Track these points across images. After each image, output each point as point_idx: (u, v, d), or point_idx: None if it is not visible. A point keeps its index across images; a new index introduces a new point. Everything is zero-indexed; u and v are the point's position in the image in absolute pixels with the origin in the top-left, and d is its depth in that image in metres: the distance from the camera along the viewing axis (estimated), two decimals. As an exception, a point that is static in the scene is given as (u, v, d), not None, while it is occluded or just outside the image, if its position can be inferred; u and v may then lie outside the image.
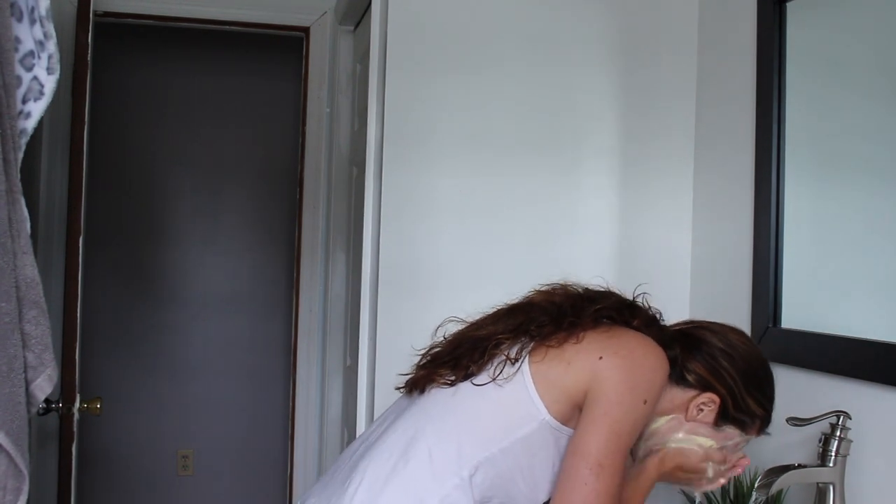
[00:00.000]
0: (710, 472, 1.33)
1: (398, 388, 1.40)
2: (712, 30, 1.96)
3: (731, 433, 1.33)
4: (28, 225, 1.58)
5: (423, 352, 1.38)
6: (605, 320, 1.30)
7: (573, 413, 1.24)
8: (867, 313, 1.49)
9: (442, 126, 1.91)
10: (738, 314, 1.75)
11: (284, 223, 4.10)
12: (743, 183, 1.80)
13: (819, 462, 1.37)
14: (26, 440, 1.50)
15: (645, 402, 1.22)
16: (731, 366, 1.32)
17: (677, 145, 2.01)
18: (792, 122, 1.67)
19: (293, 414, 3.16)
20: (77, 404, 2.13)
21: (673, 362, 1.32)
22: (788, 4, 1.68)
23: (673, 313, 1.45)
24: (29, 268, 1.54)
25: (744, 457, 1.36)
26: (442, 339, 1.37)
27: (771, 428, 1.39)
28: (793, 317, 1.65)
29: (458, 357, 1.30)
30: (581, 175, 1.98)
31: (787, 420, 1.41)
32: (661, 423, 1.33)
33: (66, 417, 2.14)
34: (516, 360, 1.25)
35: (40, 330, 1.56)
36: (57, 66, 1.65)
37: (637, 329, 1.31)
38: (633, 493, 1.30)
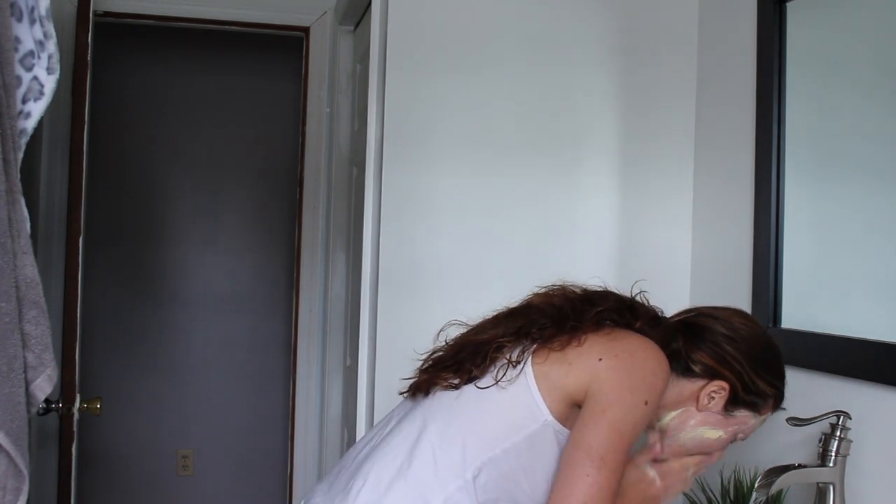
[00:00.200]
0: (690, 472, 1.34)
1: (401, 393, 1.40)
2: (712, 30, 1.96)
3: (744, 416, 1.33)
4: (28, 225, 1.58)
5: (425, 356, 1.38)
6: (607, 323, 1.30)
7: (572, 413, 1.24)
8: (867, 313, 1.49)
9: (442, 126, 1.91)
10: (738, 314, 1.75)
11: (284, 223, 4.10)
12: (743, 183, 1.80)
13: (819, 462, 1.36)
14: (26, 440, 1.51)
15: (646, 403, 1.22)
16: (736, 350, 1.31)
17: (677, 145, 2.01)
18: (792, 122, 1.67)
19: (293, 414, 3.16)
20: (77, 404, 2.13)
21: (677, 354, 1.32)
22: (788, 4, 1.68)
23: (673, 313, 1.45)
24: (29, 268, 1.54)
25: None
26: (444, 343, 1.37)
27: (771, 428, 1.39)
28: (793, 317, 1.65)
29: (461, 361, 1.30)
30: (581, 175, 1.97)
31: (787, 420, 1.41)
32: (670, 417, 1.33)
33: (66, 417, 2.14)
34: (518, 362, 1.25)
35: (40, 330, 1.56)
36: (57, 66, 1.65)
37: (639, 331, 1.30)
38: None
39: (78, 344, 2.19)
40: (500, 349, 1.28)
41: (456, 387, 1.28)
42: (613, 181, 1.99)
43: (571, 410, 1.24)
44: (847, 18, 1.59)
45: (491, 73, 1.93)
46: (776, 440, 1.57)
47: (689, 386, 1.32)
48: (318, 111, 3.08)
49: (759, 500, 1.41)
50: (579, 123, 1.97)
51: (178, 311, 4.12)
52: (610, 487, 1.17)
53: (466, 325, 1.38)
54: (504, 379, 1.24)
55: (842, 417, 1.36)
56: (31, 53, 1.62)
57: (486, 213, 1.93)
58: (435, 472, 1.21)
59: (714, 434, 1.33)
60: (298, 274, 3.13)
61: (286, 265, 4.04)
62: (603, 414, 1.20)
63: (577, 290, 1.36)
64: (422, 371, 1.36)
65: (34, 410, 1.60)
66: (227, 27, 3.03)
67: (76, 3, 2.29)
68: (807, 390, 1.53)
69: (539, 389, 1.23)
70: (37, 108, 1.64)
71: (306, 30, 3.07)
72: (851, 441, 1.36)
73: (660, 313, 1.38)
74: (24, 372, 1.53)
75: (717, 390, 1.31)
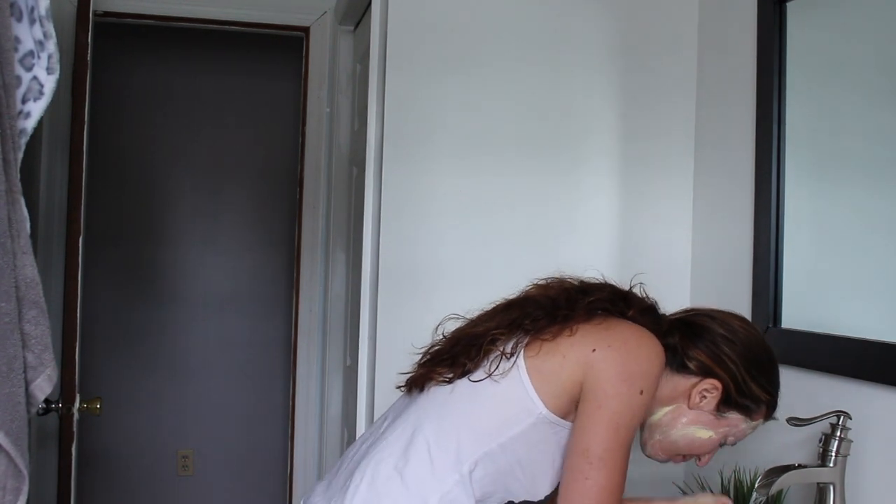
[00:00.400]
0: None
1: (399, 387, 1.40)
2: (712, 30, 1.96)
3: (735, 419, 1.33)
4: (28, 225, 1.58)
5: (423, 350, 1.38)
6: (599, 312, 1.30)
7: (570, 407, 1.24)
8: (867, 313, 1.49)
9: (442, 126, 1.91)
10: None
11: (284, 223, 4.10)
12: (743, 183, 1.80)
13: (819, 462, 1.36)
14: (26, 440, 1.50)
15: (641, 392, 1.22)
16: (733, 351, 1.31)
17: (677, 145, 2.01)
18: (792, 122, 1.67)
19: (293, 414, 3.16)
20: (77, 404, 2.13)
21: (673, 350, 1.32)
22: (788, 4, 1.68)
23: (671, 313, 1.45)
24: (29, 268, 1.54)
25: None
26: (441, 337, 1.37)
27: (771, 428, 1.39)
28: (793, 317, 1.65)
29: (456, 355, 1.30)
30: (581, 175, 1.97)
31: (788, 420, 1.41)
32: (662, 413, 1.33)
33: (65, 417, 2.14)
34: (511, 354, 1.25)
35: (40, 330, 1.56)
36: (57, 66, 1.65)
37: (632, 319, 1.30)
38: None
39: (78, 344, 2.19)
40: (493, 342, 1.28)
41: (450, 381, 1.28)
42: (613, 181, 1.99)
43: (570, 405, 1.24)
44: (847, 18, 1.59)
45: (491, 73, 1.93)
46: (776, 440, 1.57)
47: (682, 382, 1.32)
48: (318, 111, 3.08)
49: (759, 500, 1.41)
50: (579, 123, 1.97)
51: (178, 311, 4.12)
52: (612, 486, 1.17)
53: (464, 318, 1.38)
54: (497, 372, 1.24)
55: (842, 417, 1.36)
56: (30, 53, 1.62)
57: (486, 212, 1.93)
58: (431, 469, 1.21)
59: (705, 434, 1.33)
60: (298, 274, 3.13)
61: (286, 265, 4.04)
62: (599, 410, 1.20)
63: (574, 282, 1.36)
64: (419, 366, 1.37)
65: (34, 410, 1.60)
66: (227, 27, 3.03)
67: (76, 3, 2.29)
68: (807, 390, 1.53)
69: (532, 383, 1.23)
70: (37, 108, 1.64)
71: (306, 30, 3.07)
72: (851, 441, 1.36)
73: (655, 304, 1.38)
74: (24, 372, 1.53)
75: (710, 389, 1.31)
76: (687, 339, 1.33)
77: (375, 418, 1.87)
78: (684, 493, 1.59)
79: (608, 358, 1.22)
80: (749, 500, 1.49)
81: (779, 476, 1.32)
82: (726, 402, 1.32)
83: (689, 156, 2.01)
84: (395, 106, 1.90)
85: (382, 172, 1.90)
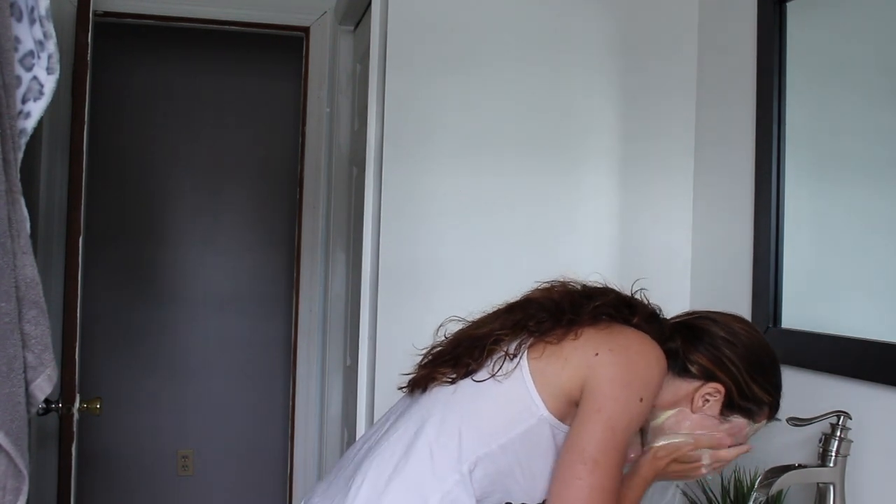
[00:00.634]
0: (707, 459, 1.33)
1: (400, 388, 1.40)
2: (712, 30, 1.96)
3: (740, 423, 1.33)
4: (28, 225, 1.58)
5: (424, 351, 1.38)
6: (604, 317, 1.30)
7: (570, 410, 1.24)
8: (867, 313, 1.49)
9: (442, 126, 1.91)
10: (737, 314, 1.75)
11: (284, 223, 4.10)
12: (743, 183, 1.80)
13: (819, 462, 1.36)
14: (26, 440, 1.50)
15: (641, 399, 1.22)
16: (734, 354, 1.31)
17: (677, 145, 2.01)
18: (792, 122, 1.67)
19: (293, 414, 3.16)
20: (77, 404, 2.13)
21: (675, 354, 1.32)
22: (788, 4, 1.68)
23: (673, 313, 1.45)
24: (29, 268, 1.54)
25: (742, 444, 1.35)
26: (443, 338, 1.37)
27: (771, 428, 1.39)
28: (793, 317, 1.65)
29: (459, 355, 1.30)
30: (581, 175, 1.97)
31: (788, 420, 1.41)
32: (665, 417, 1.33)
33: (65, 417, 2.14)
34: (515, 355, 1.25)
35: (40, 330, 1.56)
36: (57, 66, 1.65)
37: (637, 326, 1.30)
38: (626, 491, 1.30)
39: (78, 344, 2.19)
40: (497, 342, 1.28)
41: (453, 381, 1.28)
42: (613, 181, 1.99)
43: (570, 408, 1.24)
44: (847, 18, 1.59)
45: (491, 73, 1.93)
46: (776, 440, 1.57)
47: (684, 386, 1.32)
48: (318, 111, 3.08)
49: (759, 500, 1.40)
50: (579, 123, 1.97)
51: (178, 311, 4.12)
52: (605, 488, 1.17)
53: (465, 320, 1.38)
54: (500, 372, 1.24)
55: (842, 417, 1.36)
56: (30, 53, 1.62)
57: (486, 212, 1.93)
58: (432, 469, 1.21)
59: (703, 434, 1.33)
60: (298, 274, 3.13)
61: (286, 265, 4.04)
62: (597, 413, 1.20)
63: (578, 286, 1.36)
64: (420, 366, 1.37)
65: (34, 410, 1.60)
66: (228, 27, 3.03)
67: (76, 3, 2.29)
68: (807, 390, 1.53)
69: (535, 384, 1.23)
70: (37, 108, 1.64)
71: (306, 30, 3.07)
72: (851, 441, 1.36)
73: (658, 311, 1.38)
74: (24, 372, 1.53)
75: (713, 393, 1.31)
76: (688, 342, 1.33)
77: (376, 418, 1.88)
78: (686, 495, 1.59)
79: (610, 362, 1.22)
80: (749, 500, 1.49)
81: (779, 476, 1.32)
82: (729, 406, 1.32)
83: (689, 156, 2.01)
84: (395, 106, 1.90)
85: (382, 172, 1.90)
